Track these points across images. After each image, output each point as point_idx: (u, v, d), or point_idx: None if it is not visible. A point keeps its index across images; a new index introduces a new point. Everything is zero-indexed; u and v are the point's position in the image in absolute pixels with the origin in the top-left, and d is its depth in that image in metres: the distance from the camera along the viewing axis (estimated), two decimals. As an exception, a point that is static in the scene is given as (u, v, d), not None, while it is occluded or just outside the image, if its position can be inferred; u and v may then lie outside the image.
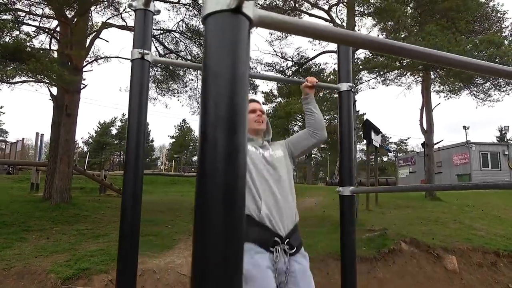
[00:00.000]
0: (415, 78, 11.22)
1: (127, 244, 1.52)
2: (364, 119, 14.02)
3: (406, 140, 50.23)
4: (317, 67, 8.88)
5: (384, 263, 5.31)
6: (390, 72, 10.99)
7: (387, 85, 12.53)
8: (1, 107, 51.10)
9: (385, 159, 52.89)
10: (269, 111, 30.15)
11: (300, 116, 30.37)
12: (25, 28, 8.11)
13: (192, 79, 10.79)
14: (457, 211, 9.34)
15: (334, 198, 8.05)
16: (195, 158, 58.40)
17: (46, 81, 6.56)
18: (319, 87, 2.28)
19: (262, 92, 28.23)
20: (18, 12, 7.29)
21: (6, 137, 48.69)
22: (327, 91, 19.52)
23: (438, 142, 12.24)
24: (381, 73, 10.44)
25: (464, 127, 20.49)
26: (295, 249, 1.84)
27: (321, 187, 21.00)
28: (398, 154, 46.54)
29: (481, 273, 5.57)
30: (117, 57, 9.08)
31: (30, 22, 7.96)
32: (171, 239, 5.91)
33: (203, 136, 0.60)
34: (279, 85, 24.63)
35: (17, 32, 7.85)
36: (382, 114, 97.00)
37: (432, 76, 12.06)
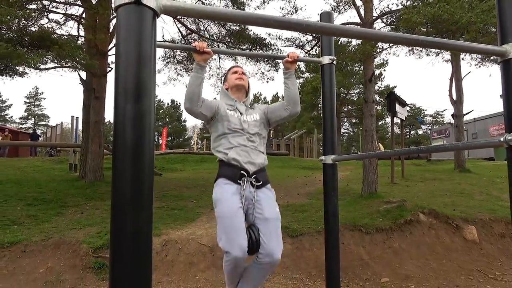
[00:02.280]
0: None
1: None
2: (394, 92, 13.67)
3: (442, 112, 48.24)
4: (337, 39, 8.68)
5: (400, 234, 5.36)
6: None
7: (420, 57, 12.06)
8: (42, 93, 53.69)
9: (420, 132, 51.30)
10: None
11: (328, 91, 29.98)
12: (53, 16, 8.47)
13: (215, 58, 10.92)
14: (487, 182, 9.09)
15: (360, 173, 8.07)
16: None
17: (71, 66, 6.95)
18: (302, 61, 2.37)
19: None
20: (44, 1, 7.66)
21: (48, 122, 51.47)
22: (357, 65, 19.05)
23: (467, 113, 11.79)
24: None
25: (501, 96, 19.41)
26: (261, 182, 2.23)
27: (351, 161, 20.80)
28: (434, 127, 44.95)
29: (502, 243, 5.51)
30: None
31: (58, 10, 8.34)
32: (194, 213, 6.23)
33: (116, 105, 0.75)
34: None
35: (46, 20, 8.28)
36: (417, 86, 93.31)
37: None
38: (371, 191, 6.93)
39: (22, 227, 5.27)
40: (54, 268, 4.25)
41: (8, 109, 49.34)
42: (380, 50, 6.92)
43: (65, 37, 7.99)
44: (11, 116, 50.64)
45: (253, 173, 2.21)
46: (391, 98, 9.70)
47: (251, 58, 10.43)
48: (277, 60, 10.45)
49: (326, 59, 2.09)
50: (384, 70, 29.63)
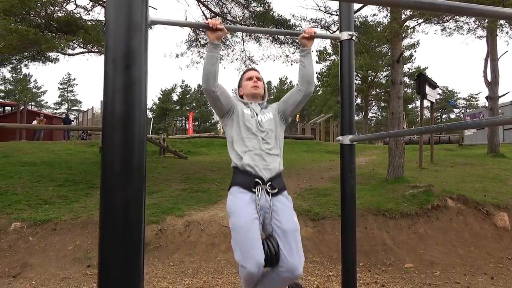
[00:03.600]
0: (480, 24, 10.12)
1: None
2: (424, 73, 13.15)
3: (476, 95, 46.14)
4: (363, 19, 8.38)
5: (427, 219, 5.22)
6: (451, 21, 10.04)
7: (449, 35, 11.51)
8: (74, 79, 55.38)
9: (452, 116, 49.40)
10: (323, 70, 29.34)
11: (355, 73, 29.22)
12: (81, 2, 8.63)
13: (238, 41, 10.85)
14: (523, 168, 8.67)
15: (387, 157, 7.87)
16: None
17: (97, 51, 7.08)
18: (319, 37, 2.28)
19: (316, 51, 27.28)
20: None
21: (80, 107, 53.18)
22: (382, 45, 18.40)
23: (503, 95, 11.18)
24: (441, 21, 9.55)
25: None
26: (276, 190, 2.12)
27: (379, 146, 20.39)
28: (467, 110, 43.18)
29: (536, 231, 5.26)
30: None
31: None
32: (217, 195, 6.30)
33: (105, 75, 0.73)
34: (332, 42, 23.67)
35: (74, 6, 8.43)
36: (450, 68, 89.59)
37: (501, 21, 10.83)
38: (397, 176, 6.75)
39: (53, 206, 5.51)
40: (82, 246, 4.42)
41: (43, 95, 51.20)
42: (406, 28, 6.61)
43: (91, 22, 8.12)
44: (46, 102, 52.60)
45: (268, 180, 2.11)
46: (421, 80, 9.34)
47: (275, 41, 10.27)
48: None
49: (344, 35, 2.00)
50: (415, 51, 28.52)
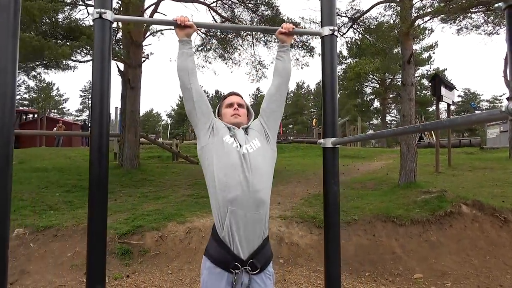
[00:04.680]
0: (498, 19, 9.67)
1: (96, 195, 1.64)
2: (439, 74, 12.76)
3: (500, 96, 44.64)
4: (375, 20, 8.13)
5: (439, 227, 4.94)
6: (468, 19, 9.67)
7: (467, 33, 11.10)
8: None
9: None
10: (339, 73, 28.91)
11: (371, 76, 28.69)
12: (91, 9, 8.73)
13: (249, 46, 10.76)
14: (546, 172, 8.22)
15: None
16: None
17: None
18: (298, 33, 2.13)
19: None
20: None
21: (100, 114, 54.12)
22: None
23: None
24: (457, 19, 9.18)
25: None
26: (258, 270, 1.75)
27: (396, 150, 19.89)
28: (490, 113, 41.74)
29: (560, 239, 4.91)
30: (171, 28, 9.37)
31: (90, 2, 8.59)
32: (222, 201, 6.18)
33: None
34: (348, 45, 23.33)
35: (85, 14, 8.53)
36: (471, 69, 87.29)
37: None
38: (409, 180, 6.48)
39: (57, 212, 5.51)
40: (81, 252, 4.37)
41: (65, 102, 52.59)
42: (415, 26, 6.36)
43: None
44: (68, 109, 53.96)
45: (249, 258, 1.74)
46: (436, 81, 9.02)
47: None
48: (312, 45, 10.08)
49: (326, 30, 1.85)
50: (433, 53, 27.78)
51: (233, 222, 1.71)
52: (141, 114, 10.54)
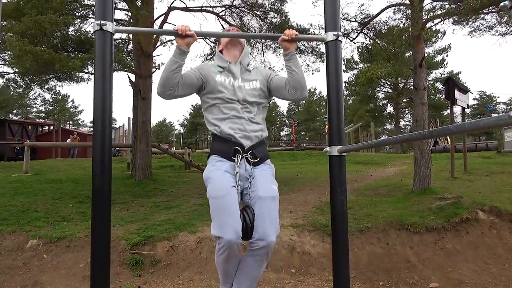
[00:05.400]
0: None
1: (98, 206, 1.63)
2: (452, 77, 12.57)
3: (519, 98, 43.72)
4: (385, 24, 8.05)
5: (455, 234, 4.81)
6: (480, 20, 9.50)
7: (481, 35, 10.90)
8: (108, 97, 57.58)
9: (491, 121, 46.85)
10: (351, 79, 28.80)
11: (383, 81, 28.43)
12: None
13: (258, 53, 10.80)
14: None
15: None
16: (282, 133, 59.13)
17: (116, 68, 7.25)
18: (301, 40, 2.11)
19: (344, 60, 26.84)
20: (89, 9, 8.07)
21: (115, 124, 55.09)
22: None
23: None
24: (469, 20, 9.02)
25: None
26: (258, 159, 2.03)
27: (410, 155, 19.59)
28: (508, 115, 40.85)
29: None
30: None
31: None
32: (234, 210, 6.15)
33: None
34: (359, 50, 23.23)
35: (88, 25, 8.66)
36: (488, 71, 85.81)
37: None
38: (424, 187, 6.34)
39: (70, 223, 5.56)
40: (93, 263, 4.38)
41: (80, 114, 53.49)
42: (427, 29, 6.27)
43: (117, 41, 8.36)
44: (83, 121, 54.84)
45: (249, 148, 2.01)
46: (450, 84, 8.86)
47: (295, 50, 10.13)
48: (322, 51, 10.04)
49: (330, 36, 1.83)
50: (447, 55, 27.42)
51: (231, 125, 2.01)
52: (154, 124, 10.66)
